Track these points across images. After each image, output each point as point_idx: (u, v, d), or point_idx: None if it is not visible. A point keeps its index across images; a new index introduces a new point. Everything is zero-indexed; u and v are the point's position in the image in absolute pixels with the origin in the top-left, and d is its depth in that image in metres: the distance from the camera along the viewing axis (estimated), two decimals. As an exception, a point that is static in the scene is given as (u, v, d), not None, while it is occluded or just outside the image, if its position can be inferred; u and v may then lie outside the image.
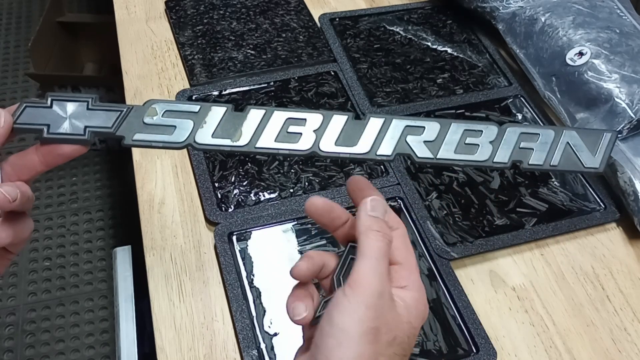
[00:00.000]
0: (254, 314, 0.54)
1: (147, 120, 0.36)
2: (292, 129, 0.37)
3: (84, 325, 1.28)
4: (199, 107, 0.36)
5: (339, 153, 0.37)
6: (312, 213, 0.37)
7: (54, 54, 1.51)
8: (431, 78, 0.78)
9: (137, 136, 0.36)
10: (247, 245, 0.59)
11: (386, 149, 0.38)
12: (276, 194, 0.63)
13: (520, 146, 0.39)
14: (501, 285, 0.59)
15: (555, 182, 0.67)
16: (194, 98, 0.72)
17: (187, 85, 0.74)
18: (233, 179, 0.64)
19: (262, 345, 0.52)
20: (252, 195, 0.63)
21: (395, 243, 0.36)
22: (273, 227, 0.60)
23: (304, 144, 0.37)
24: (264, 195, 0.63)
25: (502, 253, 0.61)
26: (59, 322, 1.28)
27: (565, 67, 0.71)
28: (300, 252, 0.59)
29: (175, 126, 0.36)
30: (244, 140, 0.36)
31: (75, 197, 1.50)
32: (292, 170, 0.65)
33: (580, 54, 0.70)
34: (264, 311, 0.54)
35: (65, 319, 1.29)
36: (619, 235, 0.64)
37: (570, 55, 0.70)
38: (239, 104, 0.72)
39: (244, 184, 0.64)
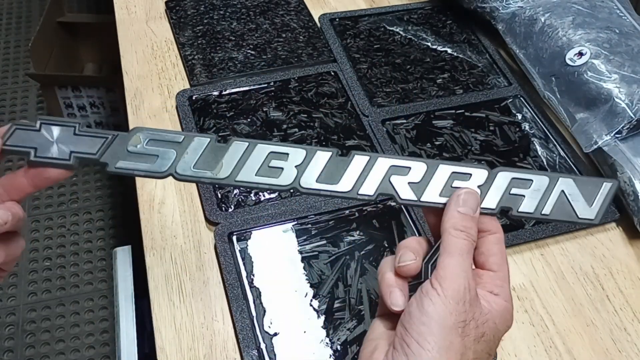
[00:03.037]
0: (254, 314, 0.54)
1: (130, 148, 0.36)
2: (274, 163, 0.37)
3: (84, 325, 1.28)
4: (182, 137, 0.36)
5: (320, 190, 0.37)
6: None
7: (54, 54, 1.51)
8: (431, 78, 0.78)
9: (120, 164, 0.36)
10: (247, 245, 0.59)
11: (369, 188, 0.37)
12: (276, 194, 0.63)
13: (511, 192, 0.38)
14: (501, 285, 0.59)
15: (555, 182, 0.67)
16: (194, 98, 0.72)
17: (187, 85, 0.74)
18: (233, 179, 0.64)
19: (262, 345, 0.52)
20: (252, 195, 0.63)
21: (491, 249, 0.36)
22: (273, 227, 0.60)
23: (284, 179, 0.37)
24: (264, 195, 0.63)
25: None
26: (59, 322, 1.28)
27: (565, 67, 0.71)
28: (300, 252, 0.59)
29: (158, 155, 0.36)
30: (224, 172, 0.36)
31: (75, 197, 1.50)
32: (292, 170, 0.65)
33: (580, 54, 0.70)
34: (264, 311, 0.54)
35: (66, 319, 1.29)
36: (619, 235, 0.64)
37: (570, 55, 0.70)
38: (239, 104, 0.72)
39: (244, 184, 0.64)
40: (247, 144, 0.37)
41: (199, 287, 0.56)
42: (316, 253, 0.59)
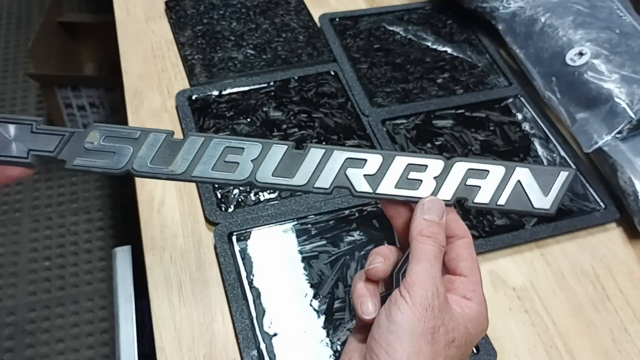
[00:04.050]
0: (253, 314, 0.54)
1: (87, 145, 0.36)
2: (230, 157, 0.37)
3: (83, 326, 1.28)
4: (138, 133, 0.37)
5: (275, 184, 0.37)
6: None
7: (54, 54, 1.51)
8: (431, 78, 0.78)
9: (77, 161, 0.36)
10: (247, 245, 0.59)
11: (324, 181, 0.37)
12: (276, 194, 0.63)
13: (467, 183, 0.37)
14: (501, 286, 0.59)
15: (555, 182, 0.67)
16: (193, 98, 0.72)
17: (187, 85, 0.74)
18: (233, 179, 0.64)
19: (262, 346, 0.52)
20: (252, 195, 0.63)
21: (461, 253, 0.36)
22: (273, 227, 0.60)
23: (240, 174, 0.37)
24: (264, 195, 0.63)
25: (502, 253, 0.61)
26: (59, 322, 1.28)
27: (565, 67, 0.71)
28: (300, 252, 0.59)
29: (114, 152, 0.36)
30: (181, 168, 0.36)
31: (75, 197, 1.50)
32: (292, 170, 0.65)
33: (580, 54, 0.70)
34: (264, 311, 0.54)
35: (65, 319, 1.29)
36: (619, 235, 0.64)
37: (570, 55, 0.70)
38: (239, 104, 0.72)
39: (244, 184, 0.64)
40: (202, 138, 0.37)
41: (199, 288, 0.56)
42: (316, 253, 0.59)
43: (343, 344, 0.53)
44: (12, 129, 0.36)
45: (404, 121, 0.72)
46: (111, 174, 0.36)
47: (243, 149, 0.37)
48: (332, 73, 0.77)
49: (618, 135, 0.66)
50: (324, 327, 0.54)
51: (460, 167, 0.37)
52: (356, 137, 0.69)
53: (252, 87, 0.74)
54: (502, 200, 0.37)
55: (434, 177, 0.37)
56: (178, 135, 0.37)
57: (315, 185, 0.37)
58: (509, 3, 0.79)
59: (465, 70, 0.79)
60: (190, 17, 0.84)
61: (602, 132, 0.66)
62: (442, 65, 0.80)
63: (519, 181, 0.37)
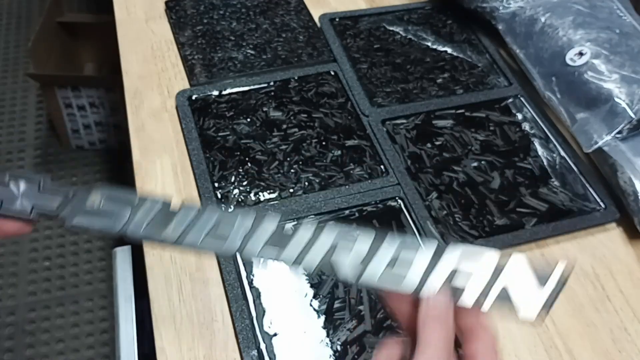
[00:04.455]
0: (253, 314, 0.54)
1: (88, 206, 0.38)
2: (222, 227, 0.37)
3: (83, 325, 1.28)
4: (137, 198, 0.38)
5: (267, 258, 0.37)
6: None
7: (54, 54, 1.51)
8: (431, 78, 0.78)
9: (77, 220, 0.37)
10: (247, 246, 0.59)
11: (312, 260, 0.36)
12: (276, 194, 0.63)
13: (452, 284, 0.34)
14: (501, 286, 0.59)
15: (555, 182, 0.67)
16: (193, 98, 0.72)
17: (187, 85, 0.74)
18: (233, 179, 0.64)
19: (262, 346, 0.52)
20: (252, 195, 0.63)
21: (482, 349, 0.32)
22: (273, 227, 0.60)
23: (231, 245, 0.36)
24: (264, 195, 0.63)
25: (502, 253, 0.61)
26: (59, 322, 1.28)
27: (565, 67, 0.71)
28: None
29: (113, 214, 0.37)
30: (173, 235, 0.37)
31: (75, 197, 1.50)
32: (292, 171, 0.65)
33: (580, 54, 0.70)
34: (264, 311, 0.54)
35: (65, 319, 1.29)
36: (619, 236, 0.64)
37: (570, 55, 0.70)
38: (239, 104, 0.72)
39: (244, 184, 0.64)
40: (197, 209, 0.37)
41: (199, 288, 0.56)
42: (316, 253, 0.59)
43: (343, 344, 0.53)
44: (22, 185, 0.38)
45: (404, 121, 0.72)
46: (107, 234, 0.38)
47: (234, 222, 0.37)
48: (332, 73, 0.77)
49: (618, 135, 0.66)
50: (324, 327, 0.54)
51: (448, 263, 0.35)
52: (356, 137, 0.69)
53: (252, 87, 0.74)
54: (485, 307, 0.34)
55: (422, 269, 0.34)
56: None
57: (305, 262, 0.36)
58: (509, 3, 0.79)
59: (465, 70, 0.79)
60: (190, 17, 0.84)
61: (602, 132, 0.66)
62: (442, 65, 0.80)
63: (504, 288, 0.35)
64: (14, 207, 0.37)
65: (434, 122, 0.72)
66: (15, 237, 0.38)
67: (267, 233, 0.37)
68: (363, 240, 0.36)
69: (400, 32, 0.84)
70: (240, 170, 0.65)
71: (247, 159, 0.66)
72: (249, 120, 0.70)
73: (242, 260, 0.36)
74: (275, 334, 0.53)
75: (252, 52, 0.79)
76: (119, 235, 0.37)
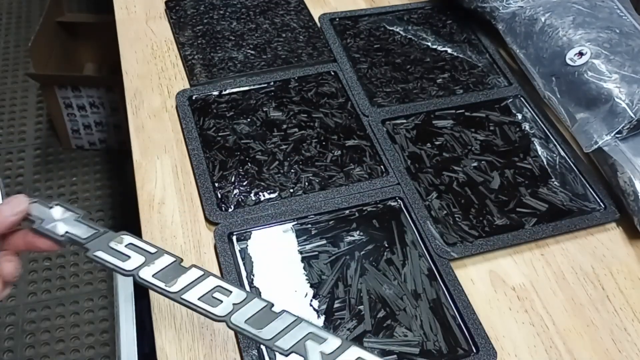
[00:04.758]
0: (254, 314, 0.54)
1: (112, 245, 0.43)
2: (217, 295, 0.43)
3: (84, 325, 1.28)
4: (155, 250, 0.43)
5: (245, 332, 0.42)
6: None
7: (54, 53, 1.51)
8: (431, 78, 0.78)
9: (98, 253, 0.43)
10: (247, 245, 0.59)
11: (285, 343, 0.41)
12: (276, 194, 0.63)
13: None
14: (501, 285, 0.59)
15: (555, 182, 0.67)
16: (194, 98, 0.72)
17: (187, 85, 0.74)
18: (233, 179, 0.64)
19: (262, 346, 0.52)
20: (252, 195, 0.63)
21: None
22: (273, 227, 0.60)
23: (219, 311, 0.42)
24: (264, 195, 0.63)
25: (502, 253, 0.61)
26: (59, 322, 1.28)
27: (565, 67, 0.71)
28: (300, 252, 0.59)
29: (130, 257, 0.43)
30: (175, 288, 0.42)
31: (75, 197, 1.50)
32: (292, 170, 0.65)
33: (580, 54, 0.70)
34: (264, 311, 0.54)
35: (65, 319, 1.29)
36: (619, 235, 0.64)
37: (570, 55, 0.70)
38: (239, 104, 0.72)
39: (244, 184, 0.64)
40: (202, 272, 0.43)
41: (199, 287, 0.56)
42: (316, 253, 0.59)
43: (343, 344, 0.53)
44: (63, 213, 0.44)
45: (404, 121, 0.72)
46: (119, 273, 0.43)
47: (231, 292, 0.43)
48: (332, 73, 0.77)
49: (618, 135, 0.66)
50: (324, 327, 0.54)
51: None
52: (356, 137, 0.69)
53: (252, 87, 0.74)
54: None
55: None
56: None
57: (276, 344, 0.41)
58: (509, 3, 0.79)
59: (465, 70, 0.79)
60: (191, 17, 0.84)
61: (602, 132, 0.66)
62: (442, 65, 0.80)
63: None
64: (50, 228, 0.43)
65: (434, 122, 0.72)
66: (44, 252, 0.42)
67: (253, 310, 0.42)
68: (332, 342, 0.42)
69: (400, 32, 0.84)
70: (240, 170, 0.65)
71: (247, 159, 0.66)
72: (249, 120, 0.70)
73: (228, 327, 0.43)
74: (275, 334, 0.53)
75: (252, 52, 0.79)
76: (129, 276, 0.43)
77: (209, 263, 0.58)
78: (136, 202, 0.63)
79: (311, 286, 0.56)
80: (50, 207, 0.44)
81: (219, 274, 0.57)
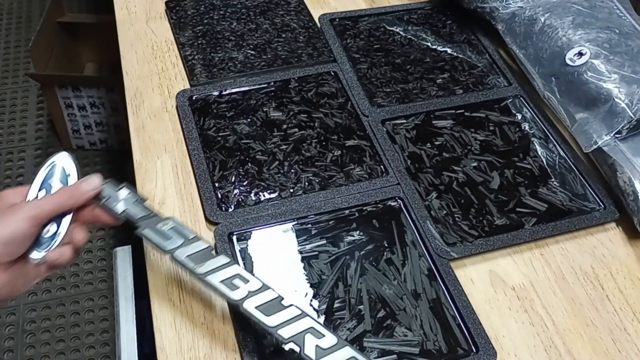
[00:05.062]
0: (254, 313, 0.54)
1: (159, 226, 0.51)
2: (236, 281, 0.48)
3: (84, 325, 1.28)
4: (193, 235, 0.50)
5: (254, 316, 0.47)
6: None
7: (54, 54, 1.51)
8: (431, 78, 0.78)
9: (146, 231, 0.50)
10: (247, 245, 0.59)
11: (287, 333, 0.46)
12: (276, 194, 0.63)
13: None
14: (501, 285, 0.59)
15: (555, 182, 0.67)
16: (194, 98, 0.72)
17: (187, 85, 0.75)
18: (233, 179, 0.64)
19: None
20: (252, 195, 0.63)
21: None
22: (273, 227, 0.60)
23: (235, 295, 0.48)
24: (264, 195, 0.63)
25: (502, 253, 0.61)
26: (59, 322, 1.28)
27: (564, 67, 0.71)
28: (300, 252, 0.59)
29: (171, 237, 0.50)
30: (201, 270, 0.49)
31: (75, 197, 1.50)
32: (292, 170, 0.66)
33: (580, 54, 0.70)
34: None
35: (66, 319, 1.29)
36: (619, 235, 0.64)
37: (570, 55, 0.71)
38: (239, 104, 0.72)
39: (244, 184, 0.64)
40: (228, 260, 0.49)
41: (199, 287, 0.56)
42: (316, 253, 0.59)
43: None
44: (127, 194, 0.51)
45: (404, 121, 0.72)
46: (160, 249, 0.50)
47: (248, 280, 0.49)
48: (332, 73, 0.77)
49: (618, 135, 0.66)
50: (324, 327, 0.54)
51: None
52: (356, 137, 0.70)
53: (252, 87, 0.74)
54: None
55: None
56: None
57: (279, 332, 0.46)
58: (508, 3, 0.79)
59: (465, 70, 0.80)
60: (191, 18, 0.84)
61: (602, 132, 0.66)
62: (442, 65, 0.80)
63: None
64: (113, 205, 0.51)
65: (433, 122, 0.72)
66: (103, 225, 0.48)
67: (265, 299, 0.48)
68: (329, 339, 0.46)
69: (400, 32, 0.84)
70: (241, 170, 0.65)
71: (247, 159, 0.66)
72: (249, 120, 0.70)
73: (240, 311, 0.48)
74: (275, 334, 0.53)
75: (253, 52, 0.79)
76: (167, 254, 0.50)
77: (209, 263, 0.58)
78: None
79: (311, 286, 0.56)
80: (117, 189, 0.51)
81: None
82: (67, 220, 0.50)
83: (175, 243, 0.50)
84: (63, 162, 0.52)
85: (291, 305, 0.47)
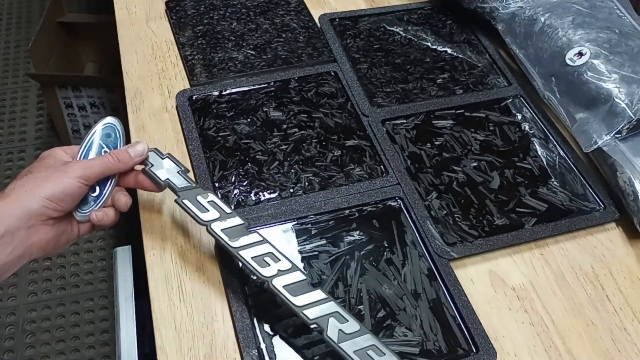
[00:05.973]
0: (254, 313, 0.54)
1: (198, 198, 0.53)
2: (267, 259, 0.50)
3: (84, 325, 1.28)
4: (230, 210, 0.53)
5: (281, 294, 0.49)
6: None
7: (54, 54, 1.51)
8: (431, 78, 0.78)
9: (185, 202, 0.53)
10: (247, 245, 0.59)
11: (312, 314, 0.48)
12: (276, 194, 0.63)
13: None
14: (501, 285, 0.59)
15: (555, 182, 0.67)
16: (194, 98, 0.72)
17: (187, 85, 0.75)
18: (233, 179, 0.64)
19: (262, 345, 0.52)
20: (252, 195, 0.63)
21: None
22: (273, 227, 0.60)
23: (265, 272, 0.49)
24: (264, 195, 0.63)
25: (502, 253, 0.61)
26: (59, 322, 1.28)
27: (564, 67, 0.71)
28: (300, 252, 0.59)
29: (208, 210, 0.52)
30: (236, 244, 0.51)
31: (75, 197, 1.50)
32: (292, 170, 0.66)
33: (580, 54, 0.70)
34: (265, 311, 0.54)
35: (66, 319, 1.29)
36: (619, 235, 0.64)
37: (570, 55, 0.71)
38: (239, 104, 0.72)
39: (244, 184, 0.64)
40: (261, 238, 0.51)
41: (199, 287, 0.56)
42: (316, 253, 0.59)
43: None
44: (170, 164, 0.55)
45: (404, 121, 0.72)
46: (197, 220, 0.52)
47: (280, 260, 0.50)
48: (332, 73, 0.77)
49: (618, 135, 0.66)
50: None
51: None
52: (356, 137, 0.70)
53: (252, 87, 0.74)
54: None
55: None
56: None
57: (304, 312, 0.48)
58: (508, 3, 0.79)
59: (465, 70, 0.80)
60: (191, 18, 0.84)
61: (602, 132, 0.66)
62: (442, 65, 0.80)
63: None
64: (157, 173, 0.53)
65: (433, 122, 0.72)
66: (146, 191, 0.56)
67: (293, 279, 0.49)
68: (352, 324, 0.48)
69: (400, 32, 0.84)
70: (241, 170, 0.65)
71: (247, 159, 0.66)
72: (249, 120, 0.70)
73: (269, 288, 0.50)
74: (275, 334, 0.53)
75: (253, 52, 0.79)
76: (204, 225, 0.52)
77: (209, 263, 0.58)
78: (136, 202, 0.63)
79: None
80: (163, 158, 0.54)
81: (219, 275, 0.57)
82: (112, 182, 0.53)
83: (212, 216, 0.52)
84: (112, 126, 0.55)
85: (317, 288, 0.49)
